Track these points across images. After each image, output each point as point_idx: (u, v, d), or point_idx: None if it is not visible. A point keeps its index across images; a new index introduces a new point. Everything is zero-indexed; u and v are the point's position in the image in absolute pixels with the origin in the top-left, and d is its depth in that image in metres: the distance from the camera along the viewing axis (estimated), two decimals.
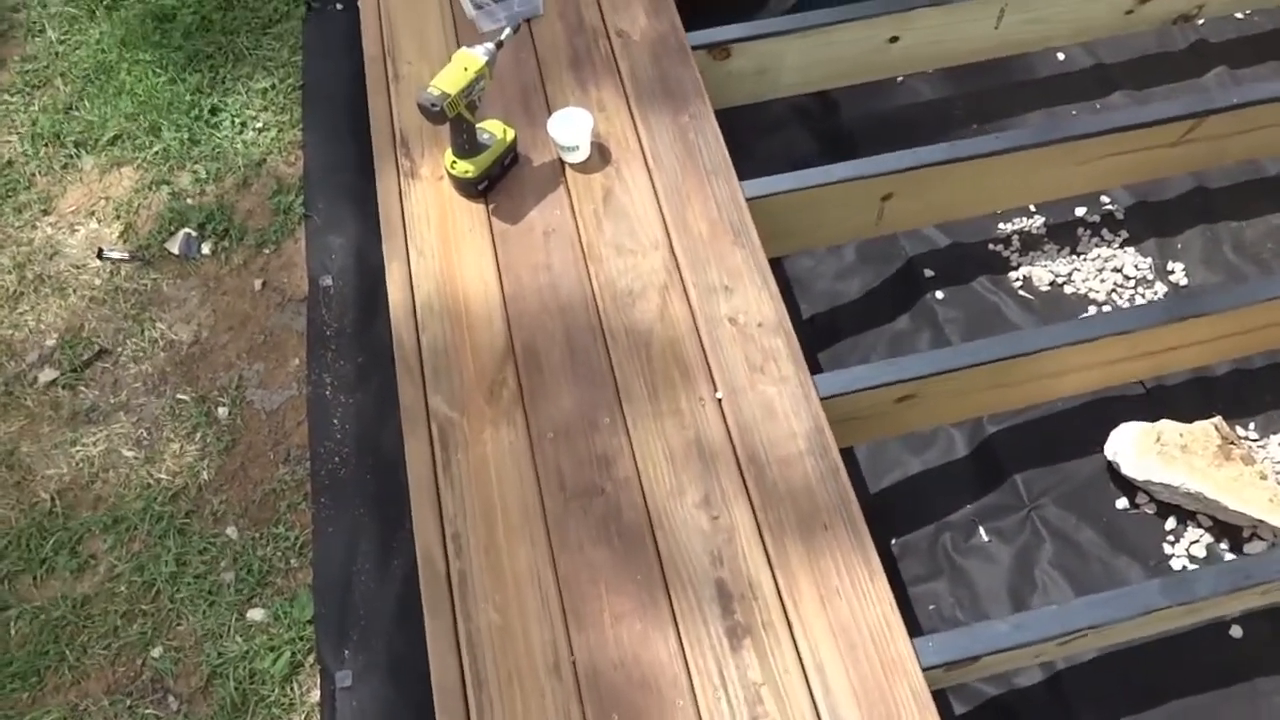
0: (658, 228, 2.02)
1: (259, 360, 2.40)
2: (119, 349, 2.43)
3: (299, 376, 2.36)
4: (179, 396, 2.35)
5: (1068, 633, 1.64)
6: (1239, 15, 2.85)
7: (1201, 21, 2.81)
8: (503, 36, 1.99)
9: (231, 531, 2.16)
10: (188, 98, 2.87)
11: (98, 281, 2.55)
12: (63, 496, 2.22)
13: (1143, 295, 2.38)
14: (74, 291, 2.53)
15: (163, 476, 2.24)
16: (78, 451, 2.28)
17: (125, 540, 2.15)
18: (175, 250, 2.58)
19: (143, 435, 2.30)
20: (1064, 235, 2.49)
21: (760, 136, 2.73)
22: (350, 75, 2.92)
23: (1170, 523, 2.07)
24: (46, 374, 2.39)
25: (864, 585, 1.60)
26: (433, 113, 1.87)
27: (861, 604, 1.59)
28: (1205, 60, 2.78)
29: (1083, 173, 2.33)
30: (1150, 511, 2.08)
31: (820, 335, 2.40)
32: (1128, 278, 2.41)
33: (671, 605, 1.60)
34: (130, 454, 2.27)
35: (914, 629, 1.68)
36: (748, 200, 2.06)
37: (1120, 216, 2.51)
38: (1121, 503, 2.10)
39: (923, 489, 2.17)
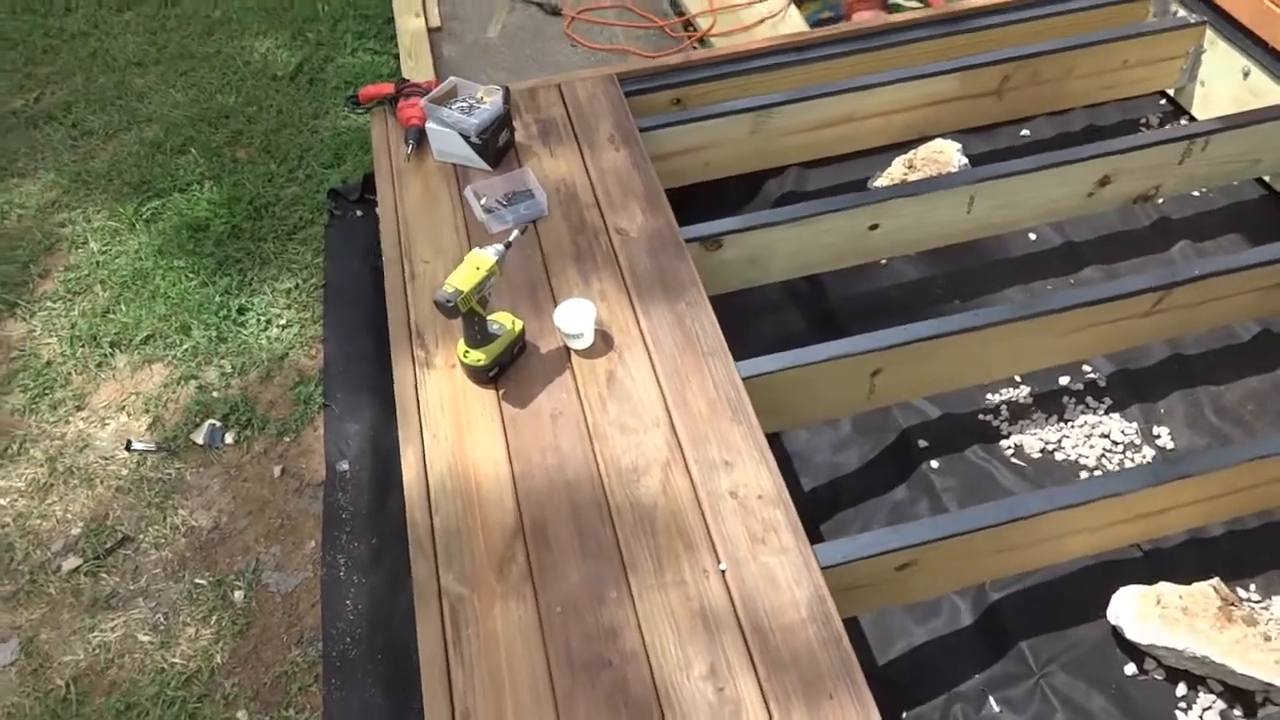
0: (659, 407, 2.12)
1: (276, 544, 2.47)
2: (141, 536, 2.51)
3: (314, 559, 2.42)
4: (197, 581, 2.41)
5: None
6: (1196, 193, 3.06)
7: (1161, 200, 3.01)
8: (511, 238, 2.16)
9: (242, 715, 2.17)
10: (217, 299, 3.07)
11: (124, 472, 2.65)
12: (78, 683, 2.25)
13: (1132, 460, 2.45)
14: (101, 482, 2.63)
15: (177, 660, 2.27)
16: (95, 637, 2.32)
17: None
18: (200, 440, 2.70)
19: (160, 620, 2.34)
20: (1050, 404, 2.59)
21: (755, 318, 2.88)
22: (369, 275, 3.11)
23: (1181, 688, 2.06)
24: (70, 562, 2.46)
25: None
26: (448, 308, 2.01)
27: None
28: (1169, 236, 2.95)
29: (1063, 344, 2.46)
30: (1159, 677, 2.08)
31: (822, 507, 2.47)
32: (1115, 443, 2.49)
33: None
34: (146, 639, 2.31)
35: None
36: (744, 379, 2.18)
37: (1102, 384, 2.62)
38: (1130, 668, 2.10)
39: (930, 658, 2.18)
